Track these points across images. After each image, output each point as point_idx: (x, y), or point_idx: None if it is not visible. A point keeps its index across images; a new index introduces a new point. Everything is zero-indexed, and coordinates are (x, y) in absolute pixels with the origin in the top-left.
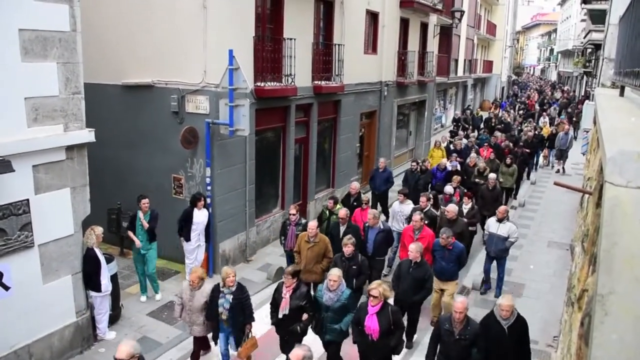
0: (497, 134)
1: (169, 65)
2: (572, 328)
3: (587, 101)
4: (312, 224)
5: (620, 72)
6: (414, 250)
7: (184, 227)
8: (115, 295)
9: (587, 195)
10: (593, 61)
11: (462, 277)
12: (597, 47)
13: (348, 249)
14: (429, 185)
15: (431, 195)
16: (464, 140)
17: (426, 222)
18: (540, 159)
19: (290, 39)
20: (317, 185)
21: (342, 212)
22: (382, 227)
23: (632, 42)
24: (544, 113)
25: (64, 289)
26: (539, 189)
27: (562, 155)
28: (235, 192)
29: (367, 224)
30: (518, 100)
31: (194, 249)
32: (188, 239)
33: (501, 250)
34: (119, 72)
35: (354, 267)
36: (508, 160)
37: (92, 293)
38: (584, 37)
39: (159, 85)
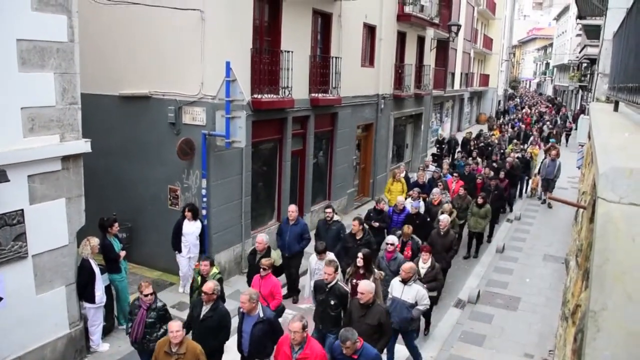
0: (472, 160)
1: (166, 76)
2: (567, 343)
3: (582, 115)
4: (175, 325)
5: (614, 87)
6: None
7: (175, 238)
8: (109, 307)
9: (581, 210)
10: (588, 75)
11: (458, 289)
12: (592, 61)
13: None
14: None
15: (361, 256)
16: (431, 168)
17: (332, 302)
18: (529, 186)
19: (288, 51)
20: (313, 198)
21: (208, 286)
22: (262, 315)
23: (625, 58)
24: (534, 132)
25: (58, 300)
26: (535, 202)
27: (548, 186)
28: (231, 204)
29: (240, 310)
30: (510, 118)
31: (186, 261)
32: (179, 250)
33: (406, 321)
34: (116, 83)
35: None
36: (479, 200)
37: (86, 304)
38: (580, 52)
39: (156, 96)
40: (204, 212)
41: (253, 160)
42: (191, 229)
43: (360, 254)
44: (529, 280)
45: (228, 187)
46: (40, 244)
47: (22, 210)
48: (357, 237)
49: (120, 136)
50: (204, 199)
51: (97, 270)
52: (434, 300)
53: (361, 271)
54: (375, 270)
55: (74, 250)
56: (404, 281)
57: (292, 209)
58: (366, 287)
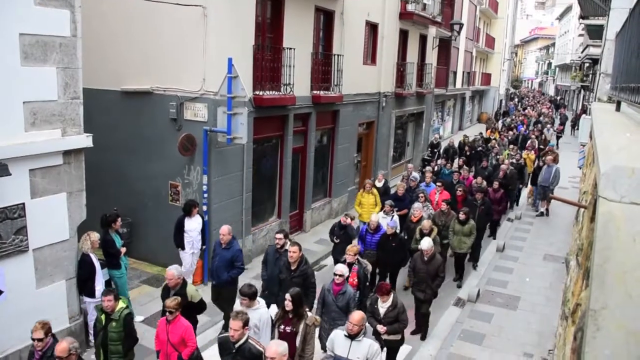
0: (460, 168)
1: (168, 72)
2: (566, 342)
3: (584, 115)
4: None
5: (616, 87)
6: None
7: (177, 235)
8: None
9: (582, 209)
10: (590, 75)
11: (458, 288)
12: (595, 61)
13: None
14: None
15: (289, 298)
16: (414, 175)
17: None
18: (523, 195)
19: (290, 48)
20: (314, 195)
21: (60, 347)
22: None
23: (628, 58)
24: (532, 135)
25: (58, 294)
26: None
27: (545, 194)
28: (232, 200)
29: None
30: (511, 120)
31: (189, 257)
32: (183, 247)
33: None
34: (118, 78)
35: None
36: (462, 215)
37: (86, 299)
38: (582, 52)
39: (158, 91)
40: (204, 208)
41: (254, 156)
42: (194, 225)
43: (288, 296)
44: (529, 279)
45: (229, 183)
46: (41, 238)
47: (23, 204)
48: (292, 268)
49: (122, 131)
50: (205, 195)
51: (97, 264)
52: (400, 343)
53: (290, 315)
54: (308, 314)
55: (75, 245)
56: (351, 336)
57: (224, 231)
58: (276, 349)
